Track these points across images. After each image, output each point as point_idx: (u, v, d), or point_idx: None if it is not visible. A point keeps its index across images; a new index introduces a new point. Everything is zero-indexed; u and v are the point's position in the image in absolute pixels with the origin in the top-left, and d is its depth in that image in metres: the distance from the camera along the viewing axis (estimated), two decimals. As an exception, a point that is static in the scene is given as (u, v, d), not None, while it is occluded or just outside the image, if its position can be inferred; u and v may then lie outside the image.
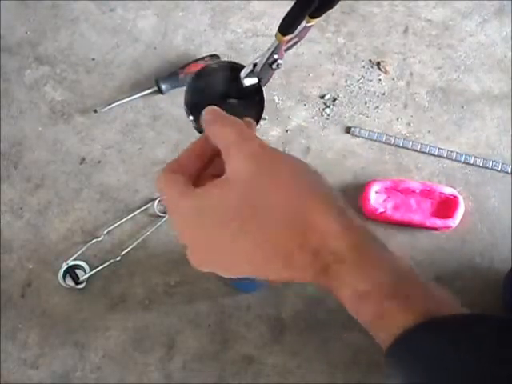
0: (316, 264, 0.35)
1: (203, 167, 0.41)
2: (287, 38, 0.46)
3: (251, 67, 0.50)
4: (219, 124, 0.39)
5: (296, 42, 0.50)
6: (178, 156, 0.41)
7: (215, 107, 0.40)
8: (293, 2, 0.44)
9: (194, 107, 0.51)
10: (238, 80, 0.51)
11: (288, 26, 0.45)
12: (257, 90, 0.51)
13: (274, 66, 0.49)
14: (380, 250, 0.36)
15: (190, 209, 0.37)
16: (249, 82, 0.50)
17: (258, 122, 0.51)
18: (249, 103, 0.52)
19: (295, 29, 0.46)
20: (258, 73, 0.50)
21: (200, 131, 0.50)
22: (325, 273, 0.35)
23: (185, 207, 0.38)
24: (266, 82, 0.52)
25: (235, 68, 0.51)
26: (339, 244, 0.35)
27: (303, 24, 0.47)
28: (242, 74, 0.50)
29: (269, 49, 0.48)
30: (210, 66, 0.51)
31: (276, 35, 0.46)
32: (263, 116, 0.52)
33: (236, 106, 0.51)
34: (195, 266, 0.39)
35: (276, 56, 0.48)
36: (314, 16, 0.46)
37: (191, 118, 0.50)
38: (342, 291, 0.35)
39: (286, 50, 0.50)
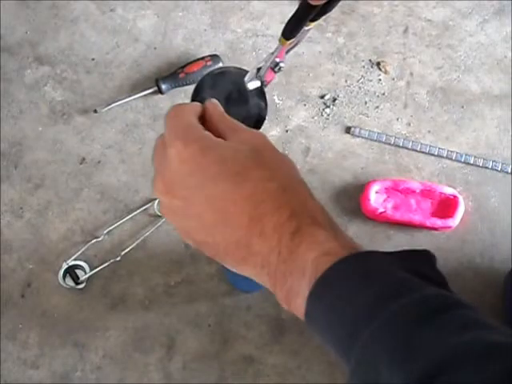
0: (290, 225, 0.37)
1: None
2: (290, 42, 0.49)
3: (255, 71, 0.51)
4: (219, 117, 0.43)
5: (295, 45, 0.52)
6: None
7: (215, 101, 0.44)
8: (296, 7, 0.46)
9: None
10: (240, 84, 0.52)
11: (291, 31, 0.48)
12: (260, 91, 0.52)
13: (277, 69, 0.51)
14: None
15: (193, 141, 0.39)
16: (252, 85, 0.52)
17: (263, 122, 0.53)
18: (253, 105, 0.53)
19: (298, 33, 0.48)
20: (260, 76, 0.52)
21: None
22: (294, 235, 0.37)
23: (190, 139, 0.39)
24: (268, 83, 0.53)
25: (238, 72, 0.52)
26: (316, 211, 0.39)
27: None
28: (246, 78, 0.51)
29: (272, 53, 0.50)
30: (214, 72, 0.53)
31: (279, 40, 0.49)
32: (263, 116, 0.53)
33: (241, 109, 0.52)
34: (155, 190, 0.41)
35: (278, 59, 0.50)
36: (312, 19, 0.48)
37: None
38: (309, 252, 0.37)
39: (286, 52, 0.52)
